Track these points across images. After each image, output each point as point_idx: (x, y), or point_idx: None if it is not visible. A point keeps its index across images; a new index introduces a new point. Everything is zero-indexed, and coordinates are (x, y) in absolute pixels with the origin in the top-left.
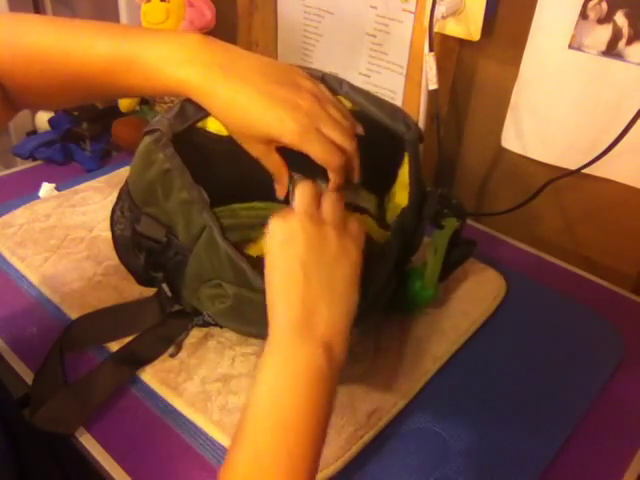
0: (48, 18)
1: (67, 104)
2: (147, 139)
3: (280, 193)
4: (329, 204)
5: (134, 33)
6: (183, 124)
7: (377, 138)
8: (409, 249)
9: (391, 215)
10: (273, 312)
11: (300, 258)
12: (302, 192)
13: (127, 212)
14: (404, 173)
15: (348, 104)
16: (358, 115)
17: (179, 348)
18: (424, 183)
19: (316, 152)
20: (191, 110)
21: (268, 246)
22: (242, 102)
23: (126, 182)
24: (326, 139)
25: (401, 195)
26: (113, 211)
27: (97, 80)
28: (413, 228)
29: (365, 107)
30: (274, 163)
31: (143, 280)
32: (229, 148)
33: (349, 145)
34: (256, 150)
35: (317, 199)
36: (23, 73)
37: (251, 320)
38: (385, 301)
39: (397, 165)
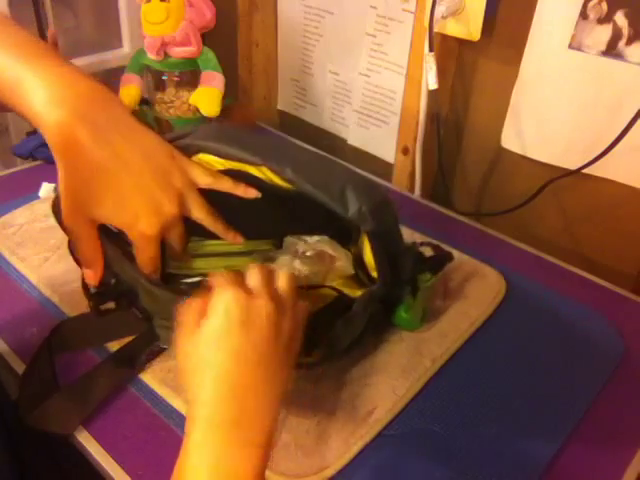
0: None
1: None
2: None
3: (252, 193)
4: (281, 283)
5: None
6: None
7: None
8: (392, 298)
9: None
10: (200, 396)
11: (239, 347)
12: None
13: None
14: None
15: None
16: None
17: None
18: (396, 249)
19: (144, 255)
20: None
21: (212, 322)
22: (104, 177)
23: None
24: (157, 249)
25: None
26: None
27: None
28: (389, 290)
29: (311, 193)
30: (92, 243)
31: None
32: None
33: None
34: (78, 224)
35: (271, 278)
36: None
37: None
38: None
39: None
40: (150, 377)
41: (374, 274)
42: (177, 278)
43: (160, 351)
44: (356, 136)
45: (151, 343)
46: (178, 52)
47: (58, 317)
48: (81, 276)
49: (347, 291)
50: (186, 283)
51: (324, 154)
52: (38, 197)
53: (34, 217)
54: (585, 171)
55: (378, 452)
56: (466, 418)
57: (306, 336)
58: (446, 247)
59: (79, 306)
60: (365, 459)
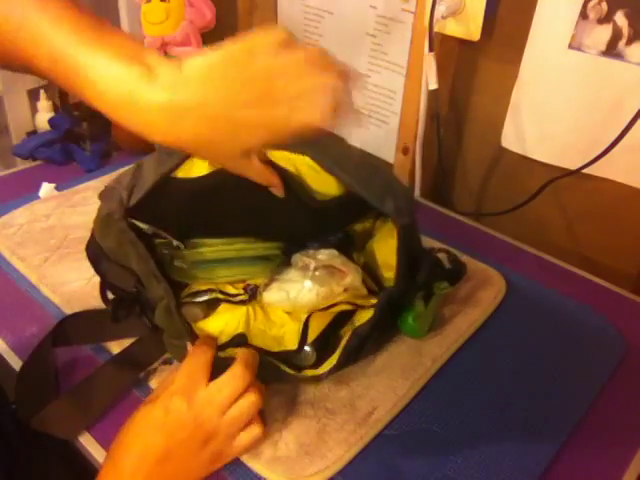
0: None
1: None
2: (102, 210)
3: (279, 193)
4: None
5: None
6: (138, 192)
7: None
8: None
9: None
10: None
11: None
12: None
13: (99, 254)
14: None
15: (333, 184)
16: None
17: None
18: (417, 251)
19: (255, 173)
20: (148, 170)
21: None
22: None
23: (93, 229)
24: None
25: (389, 255)
26: (87, 249)
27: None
28: (403, 292)
29: (352, 188)
30: (258, 172)
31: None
32: (201, 188)
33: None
34: (238, 163)
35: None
36: None
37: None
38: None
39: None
40: (152, 379)
41: (387, 274)
42: (185, 291)
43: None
44: (356, 136)
45: (155, 348)
46: (178, 52)
47: (58, 317)
48: (99, 284)
49: (359, 301)
50: (196, 302)
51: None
52: (38, 197)
53: (34, 217)
54: (585, 171)
55: (378, 452)
56: (466, 418)
57: (318, 351)
58: (446, 247)
59: (79, 306)
60: (365, 459)
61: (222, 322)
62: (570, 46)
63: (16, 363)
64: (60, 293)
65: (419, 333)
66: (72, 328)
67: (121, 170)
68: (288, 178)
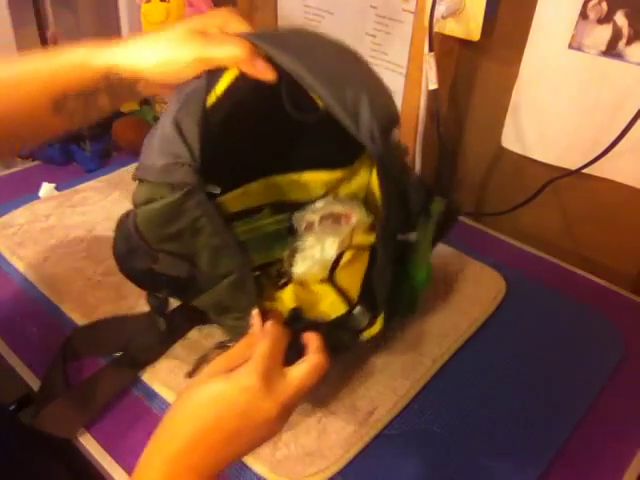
0: None
1: None
2: (175, 196)
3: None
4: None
5: None
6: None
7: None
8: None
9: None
10: (162, 430)
11: (224, 414)
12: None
13: (136, 250)
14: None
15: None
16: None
17: (196, 368)
18: (404, 180)
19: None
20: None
21: (200, 391)
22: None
23: (134, 225)
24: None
25: (375, 188)
26: (115, 247)
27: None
28: (401, 226)
29: (333, 110)
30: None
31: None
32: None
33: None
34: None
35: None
36: None
37: None
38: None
39: None
40: (150, 377)
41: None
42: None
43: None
44: None
45: (156, 351)
46: None
47: (58, 317)
48: (146, 297)
49: (360, 239)
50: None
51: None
52: (38, 197)
53: (34, 217)
54: (585, 171)
55: (378, 452)
56: (466, 418)
57: (370, 308)
58: (446, 247)
59: (79, 306)
60: (365, 459)
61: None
62: (570, 46)
63: (16, 363)
64: (60, 293)
65: (421, 274)
66: (81, 342)
67: (121, 170)
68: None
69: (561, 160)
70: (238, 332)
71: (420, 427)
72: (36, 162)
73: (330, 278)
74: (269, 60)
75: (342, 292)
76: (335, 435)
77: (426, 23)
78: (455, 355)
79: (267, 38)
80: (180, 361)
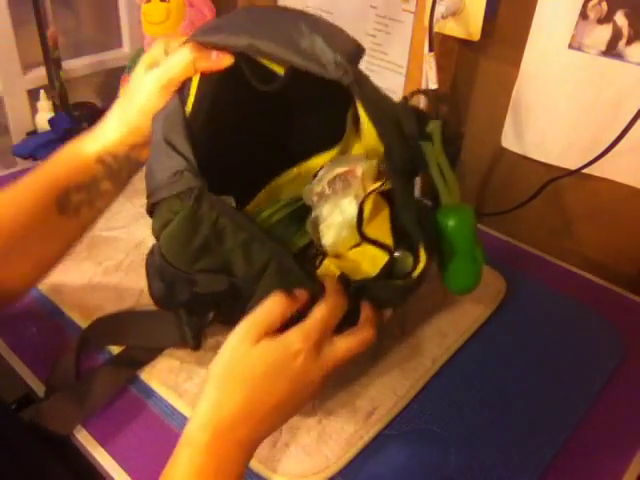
0: None
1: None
2: (186, 204)
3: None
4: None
5: None
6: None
7: (317, 89)
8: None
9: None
10: (206, 403)
11: (262, 377)
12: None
13: (172, 281)
14: (362, 117)
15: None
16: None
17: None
18: (390, 106)
19: None
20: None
21: (240, 358)
22: None
23: (161, 256)
24: None
25: (369, 136)
26: (151, 288)
27: None
28: (405, 153)
29: (295, 63)
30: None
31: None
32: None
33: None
34: None
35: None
36: None
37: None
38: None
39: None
40: (150, 377)
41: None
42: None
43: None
44: None
45: (156, 351)
46: None
47: (58, 317)
48: (185, 323)
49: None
50: None
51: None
52: None
53: None
54: (585, 171)
55: (378, 452)
56: (466, 418)
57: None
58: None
59: (79, 306)
60: (365, 459)
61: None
62: (570, 46)
63: (16, 363)
64: (60, 293)
65: (453, 208)
66: (104, 330)
67: None
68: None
69: (561, 160)
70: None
71: (420, 427)
72: (36, 162)
73: (361, 235)
74: (219, 48)
75: (377, 243)
76: (335, 435)
77: (426, 23)
78: (455, 355)
79: (208, 30)
80: (179, 361)
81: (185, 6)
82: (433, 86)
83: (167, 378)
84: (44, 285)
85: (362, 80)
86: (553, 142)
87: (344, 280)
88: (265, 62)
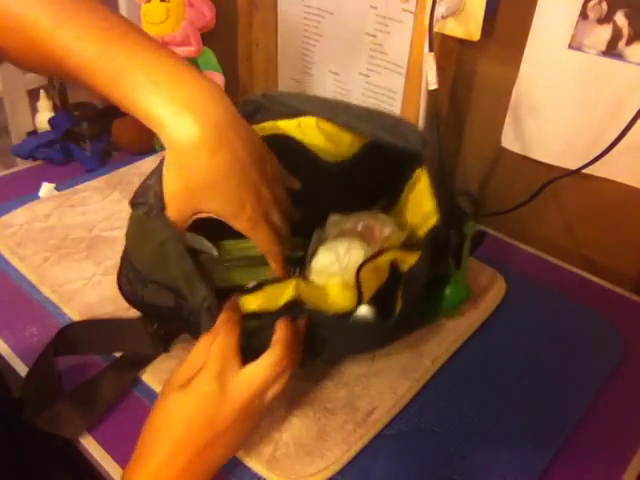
0: None
1: (40, 72)
2: (138, 212)
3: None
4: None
5: (133, 42)
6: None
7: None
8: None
9: (417, 224)
10: (139, 456)
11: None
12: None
13: (133, 280)
14: (422, 185)
15: (346, 143)
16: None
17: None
18: (449, 193)
19: (262, 242)
20: None
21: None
22: (222, 176)
23: (125, 250)
24: (271, 229)
25: (424, 205)
26: (119, 279)
27: (70, 74)
28: (443, 242)
29: (371, 135)
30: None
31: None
32: None
33: (286, 233)
34: (180, 214)
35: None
36: (4, 36)
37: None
38: (419, 316)
39: (402, 172)
40: (150, 377)
41: (419, 225)
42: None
43: None
44: None
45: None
46: (178, 52)
47: (58, 317)
48: (141, 310)
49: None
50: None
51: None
52: (38, 197)
53: (34, 217)
54: (585, 171)
55: (378, 452)
56: (466, 418)
57: (378, 310)
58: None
59: (79, 306)
60: (365, 459)
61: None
62: (570, 46)
63: (16, 363)
64: (60, 293)
65: (457, 299)
66: (74, 337)
67: (121, 170)
68: (300, 147)
69: (561, 160)
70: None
71: (420, 427)
72: (36, 162)
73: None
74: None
75: (359, 286)
76: (335, 435)
77: (426, 23)
78: (455, 355)
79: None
80: (179, 361)
81: (185, 6)
82: (433, 86)
83: (167, 378)
84: (44, 285)
85: (439, 156)
86: (553, 142)
87: (294, 303)
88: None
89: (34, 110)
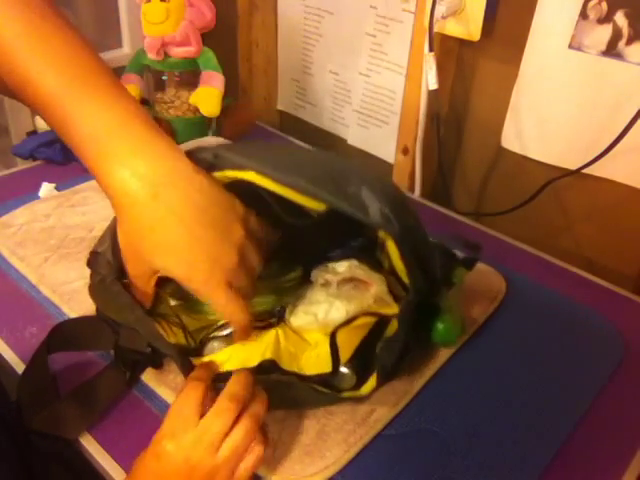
0: (24, 8)
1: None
2: (94, 278)
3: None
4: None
5: (94, 86)
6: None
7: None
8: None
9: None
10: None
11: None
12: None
13: (108, 323)
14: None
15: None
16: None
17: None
18: (423, 249)
19: (221, 308)
20: None
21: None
22: (160, 232)
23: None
24: (232, 295)
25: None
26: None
27: (30, 102)
28: (424, 296)
29: (327, 203)
30: (149, 290)
31: None
32: None
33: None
34: (139, 273)
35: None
36: None
37: None
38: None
39: None
40: (150, 377)
41: (406, 279)
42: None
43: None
44: (356, 136)
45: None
46: (178, 52)
47: (58, 317)
48: (114, 353)
49: (384, 311)
50: (219, 336)
51: (327, 153)
52: (38, 197)
53: (34, 217)
54: (585, 171)
55: (378, 452)
56: (466, 418)
57: (357, 371)
58: (452, 234)
59: (79, 306)
60: (365, 459)
61: (254, 347)
62: (570, 46)
63: (16, 363)
64: (60, 293)
65: (451, 337)
66: (67, 334)
67: None
68: (271, 202)
69: (561, 160)
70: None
71: (420, 427)
72: (36, 162)
73: (332, 333)
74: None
75: (335, 349)
76: (334, 435)
77: (426, 23)
78: (455, 355)
79: (264, 162)
80: None
81: (185, 6)
82: (433, 86)
83: (168, 379)
84: (44, 285)
85: (405, 230)
86: (553, 142)
87: (270, 365)
88: (301, 201)
89: (34, 110)
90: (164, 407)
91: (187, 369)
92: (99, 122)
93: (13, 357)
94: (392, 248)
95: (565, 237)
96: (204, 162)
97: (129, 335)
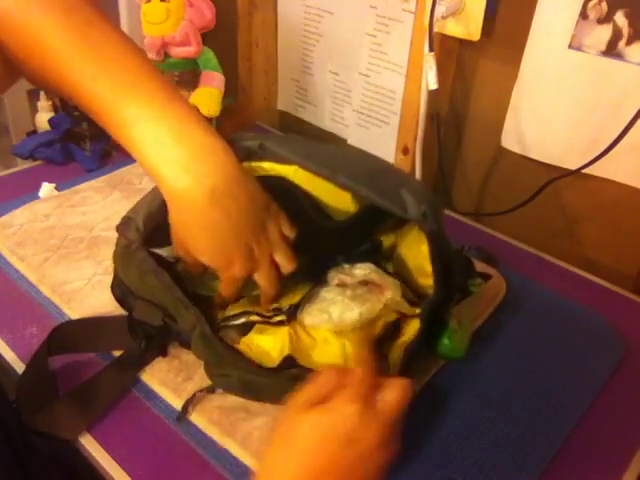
0: (68, 15)
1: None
2: (120, 243)
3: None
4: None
5: (149, 90)
6: (152, 222)
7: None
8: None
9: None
10: (280, 468)
11: (334, 453)
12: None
13: (124, 292)
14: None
15: (347, 199)
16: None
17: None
18: (448, 254)
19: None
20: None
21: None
22: (212, 233)
23: (115, 270)
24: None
25: (425, 265)
26: (113, 287)
27: (84, 106)
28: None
29: (371, 200)
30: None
31: None
32: None
33: (272, 291)
34: (186, 256)
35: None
36: (22, 58)
37: (257, 396)
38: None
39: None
40: (150, 377)
41: (422, 281)
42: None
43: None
44: (356, 136)
45: (156, 352)
46: (178, 52)
47: (58, 317)
48: (127, 322)
49: (403, 310)
50: (232, 325)
51: (366, 152)
52: (38, 197)
53: (34, 217)
54: (585, 171)
55: None
56: (466, 418)
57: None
58: (475, 245)
59: (79, 306)
60: None
61: (272, 341)
62: (570, 46)
63: (16, 363)
64: (60, 293)
65: (457, 352)
66: (69, 336)
67: (121, 170)
68: (303, 200)
69: (561, 160)
70: (225, 382)
71: (420, 427)
72: (36, 162)
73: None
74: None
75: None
76: None
77: (426, 23)
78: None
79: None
80: (179, 361)
81: (185, 6)
82: (433, 86)
83: (166, 378)
84: (44, 285)
85: (439, 231)
86: (553, 142)
87: (289, 361)
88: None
89: (34, 110)
90: (164, 407)
91: (213, 333)
92: (161, 128)
93: (13, 357)
94: (420, 247)
95: (565, 237)
96: (246, 150)
97: (144, 307)
